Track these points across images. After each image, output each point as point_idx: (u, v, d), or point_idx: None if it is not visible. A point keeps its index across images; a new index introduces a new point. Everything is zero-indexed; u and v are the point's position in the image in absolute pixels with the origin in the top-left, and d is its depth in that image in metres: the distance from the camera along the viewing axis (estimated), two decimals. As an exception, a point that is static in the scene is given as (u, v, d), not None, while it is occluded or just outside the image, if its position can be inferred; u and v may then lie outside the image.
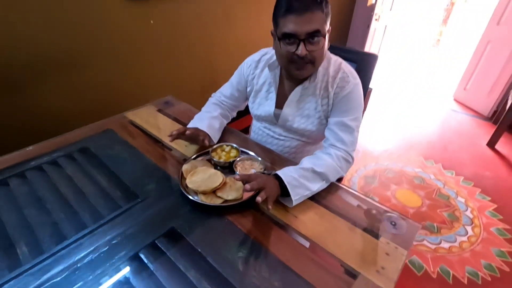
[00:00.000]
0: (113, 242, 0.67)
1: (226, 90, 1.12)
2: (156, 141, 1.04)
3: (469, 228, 1.69)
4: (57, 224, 0.72)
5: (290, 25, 0.76)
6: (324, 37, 0.80)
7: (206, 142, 0.92)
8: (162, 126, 1.12)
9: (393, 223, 0.73)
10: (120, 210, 0.75)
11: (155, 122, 1.15)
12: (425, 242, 1.58)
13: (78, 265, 0.62)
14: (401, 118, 2.98)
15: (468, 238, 1.62)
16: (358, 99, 0.89)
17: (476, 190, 1.99)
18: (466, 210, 1.82)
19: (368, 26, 3.29)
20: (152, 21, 1.68)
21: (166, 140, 1.00)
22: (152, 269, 0.61)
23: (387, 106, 3.23)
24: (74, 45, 1.42)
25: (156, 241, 0.68)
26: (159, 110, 1.24)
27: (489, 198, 1.92)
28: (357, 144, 0.89)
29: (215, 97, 1.14)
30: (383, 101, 3.37)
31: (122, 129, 1.10)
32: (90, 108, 1.58)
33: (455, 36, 6.57)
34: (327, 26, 0.80)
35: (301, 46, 0.78)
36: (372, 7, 3.23)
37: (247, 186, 0.70)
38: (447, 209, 1.82)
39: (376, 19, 3.26)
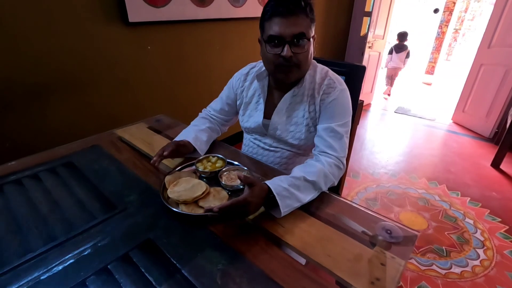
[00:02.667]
0: (83, 254, 0.62)
1: (215, 104, 1.11)
2: (143, 155, 1.01)
3: (480, 251, 1.57)
4: (26, 237, 0.67)
5: (275, 27, 0.78)
6: (309, 40, 0.80)
7: (181, 143, 0.90)
8: (151, 141, 1.10)
9: (388, 231, 0.67)
10: (95, 221, 0.70)
11: (143, 137, 1.13)
12: (434, 267, 1.47)
13: (41, 278, 0.56)
14: (400, 139, 2.95)
15: (480, 262, 1.50)
16: (346, 105, 0.87)
17: (484, 211, 1.89)
18: (476, 232, 1.71)
19: (363, 54, 3.40)
20: (149, 47, 1.74)
21: (153, 154, 0.98)
22: (119, 282, 0.55)
23: (386, 128, 3.21)
24: (72, 68, 1.46)
25: (129, 253, 0.62)
26: (150, 127, 1.23)
27: (499, 220, 1.81)
28: (347, 150, 0.86)
29: (205, 112, 1.13)
30: (382, 123, 3.37)
31: (110, 144, 1.08)
32: (85, 128, 1.58)
33: (449, 62, 6.77)
34: (312, 32, 0.81)
35: (286, 47, 0.78)
36: (365, 36, 3.36)
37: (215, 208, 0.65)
38: (455, 231, 1.72)
39: (369, 47, 3.38)
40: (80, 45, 1.45)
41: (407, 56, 4.09)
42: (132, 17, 1.57)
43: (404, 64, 4.16)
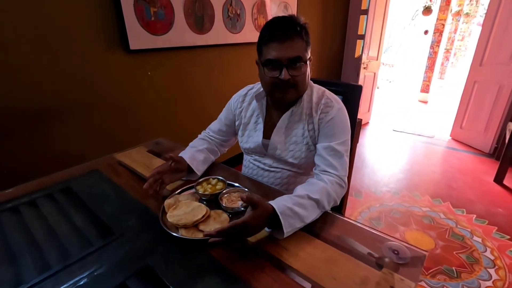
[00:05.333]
0: (78, 284, 0.59)
1: (214, 126, 1.12)
2: (142, 179, 1.00)
3: (492, 271, 1.51)
4: (19, 267, 0.64)
5: (272, 52, 0.81)
6: (306, 63, 0.83)
7: (170, 155, 0.91)
8: (150, 164, 1.09)
9: (395, 251, 0.64)
10: (91, 249, 0.68)
11: (143, 161, 1.13)
12: (445, 289, 1.41)
13: (32, 313, 0.53)
14: (400, 157, 2.94)
15: (493, 282, 1.44)
16: (344, 123, 0.88)
17: (491, 228, 1.84)
18: (485, 250, 1.66)
19: (358, 74, 3.48)
20: (149, 73, 1.79)
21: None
22: (116, 313, 0.52)
23: (385, 146, 3.22)
24: (73, 94, 1.49)
25: (126, 282, 0.59)
26: (149, 151, 1.23)
27: (508, 237, 1.76)
28: (348, 169, 0.85)
29: (204, 133, 1.14)
30: (381, 141, 3.38)
31: (109, 169, 1.08)
32: (85, 153, 1.57)
33: (443, 80, 6.93)
34: (308, 54, 0.84)
35: (284, 71, 0.80)
36: (360, 57, 3.46)
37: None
38: (464, 250, 1.66)
39: (364, 68, 3.47)
40: (81, 72, 1.49)
41: None
42: (133, 45, 1.62)
43: None
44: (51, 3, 1.32)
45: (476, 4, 7.31)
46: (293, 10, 2.71)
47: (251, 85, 1.07)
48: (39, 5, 1.29)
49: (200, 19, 1.93)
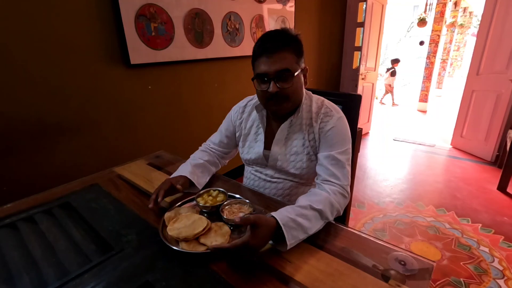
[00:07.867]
0: (75, 302, 0.57)
1: (215, 138, 1.12)
2: (142, 193, 0.99)
3: (501, 282, 1.47)
4: (15, 285, 0.62)
5: (261, 66, 0.82)
6: (294, 75, 0.82)
7: (179, 186, 0.87)
8: (150, 178, 1.08)
9: (402, 262, 0.63)
10: (90, 265, 0.66)
11: (143, 174, 1.12)
12: (454, 302, 1.36)
13: (27, 333, 0.51)
14: (402, 167, 2.92)
15: (503, 294, 1.40)
16: (344, 132, 0.87)
17: (498, 237, 1.81)
18: (493, 261, 1.62)
19: (356, 85, 3.51)
20: (150, 87, 1.80)
21: (152, 190, 0.96)
22: (114, 333, 0.50)
23: (386, 156, 3.20)
24: (75, 109, 1.50)
25: (125, 299, 0.57)
26: (150, 164, 1.22)
27: (516, 246, 1.73)
28: (350, 178, 0.84)
29: (204, 145, 1.14)
30: (382, 151, 3.37)
31: (109, 183, 1.07)
32: (86, 167, 1.57)
33: (441, 89, 6.98)
34: (300, 65, 0.85)
35: (272, 84, 0.81)
36: (357, 68, 3.51)
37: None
38: (471, 261, 1.62)
39: (362, 78, 3.50)
40: (83, 86, 1.50)
41: (392, 74, 6.04)
42: (134, 60, 1.64)
43: (391, 80, 6.10)
44: (53, 21, 1.35)
45: (470, 15, 7.48)
46: (290, 24, 2.77)
47: (251, 96, 1.07)
48: (42, 23, 1.32)
49: (199, 34, 1.97)
